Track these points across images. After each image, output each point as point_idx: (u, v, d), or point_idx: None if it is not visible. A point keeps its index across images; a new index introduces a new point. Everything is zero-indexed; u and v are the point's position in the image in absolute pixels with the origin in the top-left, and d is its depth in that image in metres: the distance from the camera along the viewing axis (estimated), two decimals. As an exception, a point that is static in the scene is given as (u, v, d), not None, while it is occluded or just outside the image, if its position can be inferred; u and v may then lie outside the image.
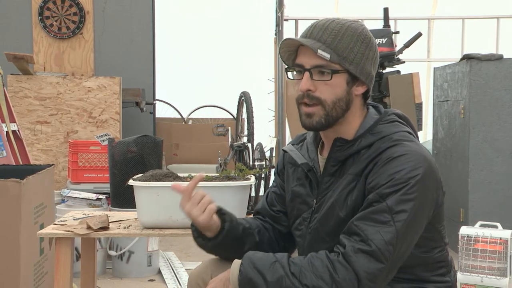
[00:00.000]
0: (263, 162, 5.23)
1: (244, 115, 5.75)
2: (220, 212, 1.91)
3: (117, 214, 2.63)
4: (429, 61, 6.80)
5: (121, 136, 5.33)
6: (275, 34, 6.08)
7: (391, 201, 1.65)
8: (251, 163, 5.23)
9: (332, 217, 1.77)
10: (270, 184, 2.27)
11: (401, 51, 5.00)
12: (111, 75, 5.54)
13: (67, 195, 4.24)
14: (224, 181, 2.38)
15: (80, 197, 4.20)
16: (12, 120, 3.93)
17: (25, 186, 2.82)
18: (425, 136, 6.31)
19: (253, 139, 5.38)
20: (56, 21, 5.98)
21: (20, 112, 5.17)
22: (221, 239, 1.88)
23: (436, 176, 1.73)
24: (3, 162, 3.64)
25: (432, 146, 5.16)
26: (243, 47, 6.82)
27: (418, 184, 1.66)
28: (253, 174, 2.49)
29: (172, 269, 4.19)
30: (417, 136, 1.84)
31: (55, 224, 2.43)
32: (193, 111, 7.01)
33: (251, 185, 2.41)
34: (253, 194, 5.29)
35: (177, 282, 3.92)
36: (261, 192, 5.46)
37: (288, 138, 6.11)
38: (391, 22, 5.19)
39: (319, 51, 1.72)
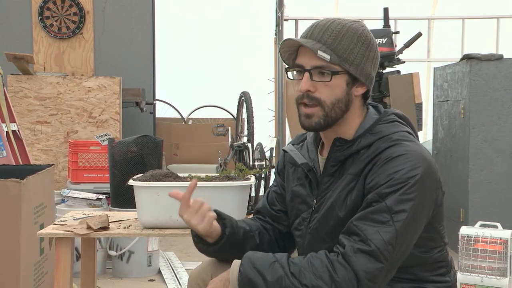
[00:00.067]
0: (263, 162, 5.22)
1: (244, 115, 5.74)
2: (220, 217, 1.90)
3: (117, 214, 2.63)
4: (429, 61, 6.80)
5: (121, 136, 5.33)
6: (275, 34, 6.08)
7: (390, 201, 1.65)
8: (251, 163, 5.22)
9: (331, 217, 1.77)
10: (270, 184, 2.27)
11: (401, 51, 5.00)
12: (111, 75, 5.54)
13: (67, 195, 4.24)
14: (224, 181, 2.38)
15: (80, 197, 4.20)
16: (12, 120, 3.93)
17: (25, 186, 2.82)
18: (425, 136, 6.31)
19: (253, 139, 5.38)
20: (56, 21, 5.98)
21: (20, 112, 5.17)
22: (222, 244, 1.88)
23: (436, 176, 1.73)
24: (3, 162, 3.65)
25: (432, 146, 5.16)
26: (243, 47, 6.82)
27: (417, 184, 1.66)
28: (253, 174, 2.49)
29: (172, 269, 4.19)
30: (417, 136, 1.84)
31: (55, 224, 2.43)
32: (193, 111, 7.01)
33: (251, 185, 2.41)
34: (253, 194, 5.28)
35: (177, 282, 3.92)
36: (261, 192, 5.46)
37: (288, 138, 6.11)
38: (391, 22, 5.19)
39: (319, 52, 1.72)
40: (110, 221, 2.42)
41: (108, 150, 4.08)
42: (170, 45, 6.71)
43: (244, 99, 5.65)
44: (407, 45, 5.02)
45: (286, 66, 1.86)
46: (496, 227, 3.13)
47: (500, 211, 4.33)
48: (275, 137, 6.05)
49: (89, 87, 5.32)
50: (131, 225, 2.42)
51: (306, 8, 6.69)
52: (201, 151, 6.44)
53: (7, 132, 3.82)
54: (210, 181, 2.37)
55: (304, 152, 1.91)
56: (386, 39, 4.78)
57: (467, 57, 4.42)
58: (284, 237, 2.01)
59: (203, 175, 2.47)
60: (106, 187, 4.33)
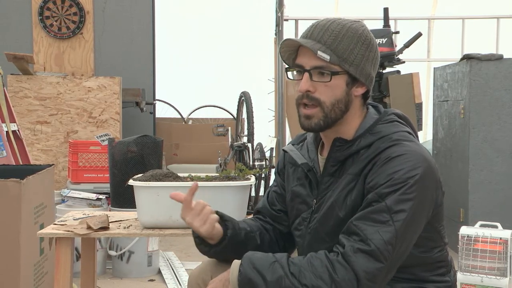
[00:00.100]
0: (263, 162, 5.22)
1: (244, 115, 5.74)
2: (222, 218, 1.90)
3: (117, 214, 2.63)
4: (429, 61, 6.80)
5: (121, 136, 5.33)
6: (275, 34, 6.08)
7: (390, 200, 1.65)
8: (251, 163, 5.22)
9: (331, 217, 1.77)
10: (270, 184, 2.27)
11: (401, 51, 5.00)
12: (111, 75, 5.54)
13: (67, 195, 4.24)
14: (224, 181, 2.38)
15: (80, 197, 4.20)
16: (12, 120, 3.93)
17: (25, 186, 2.82)
18: (425, 136, 6.31)
19: (253, 139, 5.37)
20: (56, 21, 5.98)
21: (20, 112, 5.17)
22: (224, 246, 1.88)
23: (436, 176, 1.73)
24: (3, 162, 3.65)
25: (432, 146, 5.16)
26: (243, 47, 6.82)
27: (417, 184, 1.66)
28: (253, 174, 2.49)
29: (172, 269, 4.19)
30: (417, 136, 1.84)
31: (55, 224, 2.43)
32: (193, 111, 7.01)
33: (251, 185, 2.41)
34: (253, 194, 5.28)
35: (177, 282, 3.92)
36: (261, 192, 5.46)
37: (288, 138, 6.11)
38: (391, 22, 5.19)
39: (319, 53, 1.72)
40: (110, 221, 2.42)
41: (108, 150, 4.08)
42: (170, 45, 6.71)
43: (244, 99, 5.65)
44: (407, 45, 5.02)
45: (286, 66, 1.86)
46: (496, 227, 3.13)
47: (500, 211, 4.33)
48: (275, 137, 6.05)
49: (89, 87, 5.32)
50: (131, 225, 2.42)
51: (306, 8, 6.69)
52: (201, 151, 6.44)
53: (7, 132, 3.82)
54: (210, 181, 2.37)
55: (304, 152, 1.91)
56: (386, 39, 4.78)
57: (467, 57, 4.42)
58: (284, 237, 2.01)
59: (203, 175, 2.47)
60: (106, 187, 4.33)
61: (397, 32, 5.30)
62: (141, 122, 6.06)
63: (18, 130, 3.99)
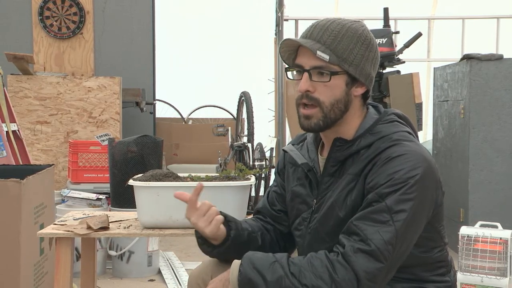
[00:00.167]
0: (263, 162, 5.22)
1: (244, 115, 5.74)
2: (225, 219, 1.90)
3: (117, 214, 2.63)
4: (429, 61, 6.80)
5: (121, 136, 5.33)
6: (275, 34, 6.08)
7: (390, 201, 1.65)
8: (251, 163, 5.23)
9: (331, 217, 1.77)
10: (270, 184, 2.27)
11: (401, 51, 5.01)
12: (111, 75, 5.54)
13: (67, 195, 4.24)
14: (224, 181, 2.38)
15: (80, 197, 4.20)
16: (12, 120, 3.93)
17: (25, 186, 2.82)
18: (425, 136, 6.31)
19: (253, 139, 5.38)
20: (56, 21, 5.98)
21: (20, 112, 5.17)
22: (227, 246, 1.88)
23: (436, 176, 1.73)
24: (3, 162, 3.65)
25: (432, 146, 5.16)
26: (243, 47, 6.82)
27: (417, 184, 1.66)
28: (253, 174, 2.49)
29: (172, 269, 4.19)
30: (417, 136, 1.84)
31: (55, 224, 2.43)
32: (193, 111, 7.01)
33: (251, 185, 2.41)
34: (253, 194, 5.28)
35: (177, 282, 3.92)
36: (261, 192, 5.46)
37: (288, 138, 6.11)
38: (391, 22, 5.19)
39: (318, 53, 1.72)
40: (110, 221, 2.42)
41: (108, 150, 4.08)
42: (170, 45, 6.71)
43: (244, 99, 5.65)
44: (407, 45, 5.02)
45: (286, 66, 1.86)
46: (496, 227, 3.13)
47: (500, 211, 4.33)
48: (275, 137, 6.05)
49: (89, 87, 5.32)
50: (131, 225, 2.42)
51: (306, 8, 6.69)
52: (201, 151, 6.44)
53: (7, 132, 3.82)
54: (210, 181, 2.37)
55: (304, 152, 1.91)
56: (386, 39, 4.78)
57: (467, 57, 4.42)
58: (284, 237, 2.01)
59: (203, 175, 2.47)
60: (106, 187, 4.33)
61: (397, 32, 5.30)
62: (141, 122, 6.06)
63: (18, 130, 3.99)
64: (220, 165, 5.50)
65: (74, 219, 2.50)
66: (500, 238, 3.02)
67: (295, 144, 1.98)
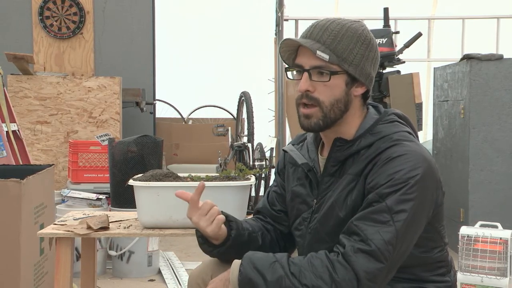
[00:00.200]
0: (263, 162, 5.22)
1: (244, 115, 5.74)
2: (226, 219, 1.90)
3: (117, 214, 2.63)
4: (429, 61, 6.80)
5: (121, 136, 5.33)
6: (275, 34, 6.08)
7: (391, 201, 1.65)
8: (251, 163, 5.23)
9: (331, 217, 1.77)
10: (270, 184, 2.27)
11: (401, 51, 5.00)
12: (111, 75, 5.54)
13: (67, 195, 4.24)
14: (224, 181, 2.38)
15: (80, 197, 4.20)
16: (12, 120, 3.94)
17: (25, 186, 2.82)
18: (425, 136, 6.31)
19: (253, 139, 5.38)
20: (56, 21, 5.98)
21: (20, 112, 5.17)
22: (228, 246, 1.88)
23: (436, 176, 1.73)
24: (3, 162, 3.65)
25: (432, 146, 5.16)
26: (243, 47, 6.82)
27: (417, 184, 1.66)
28: (253, 174, 2.49)
29: (172, 269, 4.19)
30: (417, 136, 1.84)
31: (55, 224, 2.43)
32: (193, 111, 7.01)
33: (251, 185, 2.41)
34: (253, 194, 5.28)
35: (177, 282, 3.92)
36: (261, 192, 5.46)
37: (288, 138, 6.11)
38: (391, 22, 5.19)
39: (318, 52, 1.72)
40: (110, 221, 2.42)
41: (108, 150, 4.08)
42: (170, 45, 6.71)
43: (244, 99, 5.65)
44: (407, 45, 5.02)
45: (286, 66, 1.86)
46: (496, 227, 3.13)
47: (500, 211, 4.33)
48: (275, 137, 6.05)
49: (89, 87, 5.32)
50: (131, 225, 2.41)
51: (306, 8, 6.69)
52: (201, 151, 6.44)
53: (7, 132, 3.82)
54: (210, 181, 2.37)
55: (304, 152, 1.91)
56: (386, 39, 4.78)
57: (467, 57, 4.42)
58: (284, 237, 2.01)
59: (203, 175, 2.47)
60: (106, 187, 4.33)
61: (397, 32, 5.30)
62: (141, 122, 6.06)
63: (18, 130, 3.99)
64: (220, 165, 5.50)
65: (74, 219, 2.50)
66: (500, 238, 3.02)
67: (295, 144, 1.98)
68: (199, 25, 6.95)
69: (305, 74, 1.76)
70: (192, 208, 1.85)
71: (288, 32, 6.15)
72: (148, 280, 4.01)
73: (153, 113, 6.24)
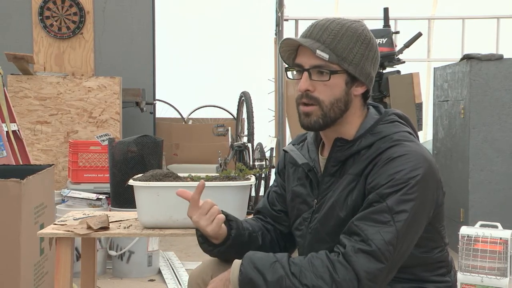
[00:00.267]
0: (263, 162, 5.22)
1: (244, 115, 5.74)
2: (227, 218, 1.90)
3: (117, 214, 2.63)
4: (429, 61, 6.80)
5: (121, 136, 5.33)
6: (275, 34, 6.08)
7: (391, 201, 1.65)
8: (251, 163, 5.22)
9: (332, 217, 1.77)
10: (271, 184, 2.27)
11: (401, 51, 5.00)
12: (111, 75, 5.54)
13: (67, 195, 4.24)
14: (224, 181, 2.38)
15: (80, 197, 4.20)
16: (12, 120, 3.94)
17: (25, 186, 2.82)
18: (425, 136, 6.31)
19: (253, 139, 5.38)
20: (56, 21, 5.98)
21: (20, 112, 5.17)
22: (228, 246, 1.88)
23: (436, 176, 1.73)
24: (3, 162, 3.65)
25: (432, 146, 5.16)
26: (243, 47, 6.82)
27: (418, 184, 1.66)
28: (253, 174, 2.49)
29: (172, 269, 4.19)
30: (418, 136, 1.84)
31: (55, 224, 2.43)
32: (193, 111, 7.01)
33: (251, 185, 2.41)
34: (253, 194, 5.28)
35: (177, 282, 3.92)
36: (261, 192, 5.46)
37: (288, 138, 6.11)
38: (391, 22, 5.19)
39: (318, 52, 1.72)
40: (110, 221, 2.42)
41: (108, 150, 4.08)
42: (170, 45, 6.71)
43: (244, 99, 5.65)
44: (407, 45, 5.02)
45: (286, 65, 1.86)
46: (496, 227, 3.13)
47: (500, 211, 4.33)
48: (275, 137, 6.05)
49: (89, 87, 5.32)
50: (131, 225, 2.41)
51: (306, 8, 6.69)
52: (201, 151, 6.44)
53: (7, 132, 3.82)
54: (210, 181, 2.37)
55: (304, 152, 1.91)
56: (386, 39, 4.78)
57: (467, 57, 4.42)
58: (285, 237, 2.01)
59: (203, 175, 2.47)
60: (106, 187, 4.33)
61: (397, 32, 5.30)
62: (141, 122, 6.06)
63: (18, 130, 3.99)
64: (220, 165, 5.50)
65: (74, 219, 2.50)
66: (500, 238, 3.02)
67: (295, 144, 1.98)
68: (199, 25, 6.95)
69: (305, 74, 1.76)
70: (192, 207, 1.85)
71: (288, 32, 6.15)
72: (148, 280, 4.01)
73: (153, 113, 6.24)
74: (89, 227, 2.29)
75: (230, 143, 5.72)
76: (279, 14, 5.95)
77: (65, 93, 5.30)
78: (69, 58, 6.02)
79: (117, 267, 4.08)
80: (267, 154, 5.47)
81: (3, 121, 3.83)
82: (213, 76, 6.90)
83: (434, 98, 5.10)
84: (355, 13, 6.47)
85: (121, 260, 4.05)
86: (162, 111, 6.77)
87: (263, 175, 5.41)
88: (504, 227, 3.15)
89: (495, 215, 4.18)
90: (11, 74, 5.25)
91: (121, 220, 2.50)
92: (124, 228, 2.37)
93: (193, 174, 2.48)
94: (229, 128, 5.76)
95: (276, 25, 6.02)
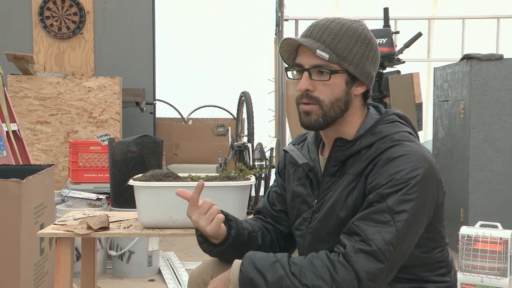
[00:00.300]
0: (263, 162, 5.22)
1: (244, 115, 5.74)
2: (226, 218, 1.90)
3: (117, 214, 2.63)
4: (429, 61, 6.80)
5: (121, 136, 5.33)
6: (275, 34, 6.08)
7: (392, 201, 1.65)
8: (251, 163, 5.22)
9: (332, 217, 1.77)
10: (271, 184, 2.27)
11: (401, 51, 5.00)
12: (111, 75, 5.54)
13: (67, 195, 4.24)
14: (224, 181, 2.38)
15: (80, 197, 4.20)
16: (12, 120, 3.94)
17: (25, 186, 2.82)
18: (425, 136, 6.31)
19: (253, 139, 5.37)
20: (56, 21, 5.98)
21: (20, 112, 5.17)
22: (227, 245, 1.88)
23: (437, 176, 1.73)
24: (3, 162, 3.64)
25: (432, 146, 5.16)
26: (243, 47, 6.82)
27: (418, 184, 1.66)
28: (253, 174, 2.49)
29: (172, 269, 4.19)
30: (418, 136, 1.84)
31: (55, 224, 2.43)
32: (193, 111, 7.01)
33: (251, 185, 2.41)
34: (253, 194, 5.28)
35: (177, 282, 3.92)
36: (261, 192, 5.46)
37: (288, 138, 6.11)
38: (391, 22, 5.19)
39: (318, 51, 1.72)
40: (110, 221, 2.42)
41: (108, 150, 4.08)
42: (170, 45, 6.71)
43: (244, 99, 5.65)
44: (407, 45, 5.02)
45: (286, 65, 1.86)
46: (496, 227, 3.13)
47: (500, 211, 4.33)
48: (275, 137, 6.05)
49: (89, 87, 5.32)
50: (131, 225, 2.41)
51: (306, 8, 6.70)
52: (201, 151, 6.44)
53: (7, 132, 3.82)
54: (210, 181, 2.37)
55: (304, 152, 1.91)
56: (386, 39, 4.78)
57: (467, 57, 4.42)
58: (285, 237, 2.01)
59: (203, 175, 2.47)
60: (106, 187, 4.33)
61: (397, 32, 5.30)
62: (141, 122, 6.07)
63: (18, 130, 3.99)
64: (220, 165, 5.50)
65: (74, 219, 2.50)
66: (500, 238, 3.02)
67: (295, 144, 1.98)
68: (199, 25, 6.95)
69: (305, 74, 1.76)
70: (191, 207, 1.85)
71: (288, 32, 6.16)
72: (148, 280, 4.01)
73: (153, 113, 6.24)
74: (89, 227, 2.29)
75: (230, 143, 5.72)
76: (279, 14, 5.95)
77: (65, 93, 5.30)
78: (69, 58, 6.02)
79: (117, 267, 4.08)
80: (267, 154, 5.47)
81: (3, 121, 3.83)
82: (213, 76, 6.90)
83: (434, 98, 5.10)
84: (355, 13, 6.47)
85: (121, 260, 4.05)
86: (162, 111, 6.77)
87: (263, 175, 5.41)
88: (504, 227, 3.16)
89: (495, 215, 4.18)
90: (11, 74, 5.25)
91: (121, 220, 2.50)
92: (124, 228, 2.37)
93: (193, 174, 2.48)
94: (229, 128, 5.76)
95: (276, 25, 6.02)
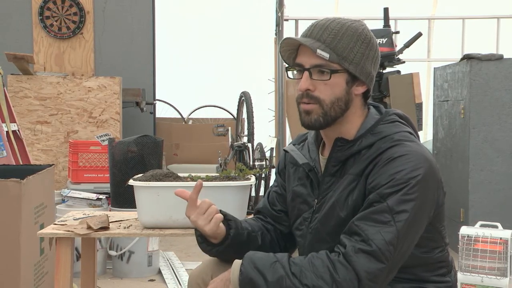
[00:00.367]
0: (263, 162, 5.22)
1: (244, 115, 5.75)
2: (225, 218, 1.90)
3: (117, 214, 2.63)
4: (429, 61, 6.80)
5: (121, 136, 5.33)
6: (275, 34, 6.08)
7: (392, 201, 1.65)
8: (251, 163, 5.23)
9: (332, 217, 1.77)
10: (271, 184, 2.27)
11: (401, 51, 5.01)
12: (111, 75, 5.54)
13: (67, 195, 4.24)
14: (224, 181, 2.38)
15: (80, 197, 4.20)
16: (12, 120, 3.94)
17: (25, 186, 2.82)
18: (425, 136, 6.31)
19: (253, 139, 5.38)
20: (56, 21, 5.98)
21: (20, 112, 5.17)
22: (227, 245, 1.88)
23: (437, 176, 1.73)
24: (3, 162, 3.64)
25: (432, 146, 5.17)
26: (243, 47, 6.82)
27: (418, 184, 1.66)
28: (253, 174, 2.49)
29: (172, 269, 4.19)
30: (418, 136, 1.84)
31: (55, 224, 2.43)
32: (193, 111, 7.01)
33: (251, 185, 2.41)
34: (253, 194, 5.28)
35: (177, 282, 3.92)
36: (261, 192, 5.46)
37: (288, 138, 6.11)
38: (391, 22, 5.19)
39: (318, 51, 1.72)
40: (110, 221, 2.42)
41: (108, 150, 4.08)
42: (170, 45, 6.71)
43: (244, 99, 5.65)
44: (407, 45, 5.03)
45: (286, 65, 1.86)
46: (496, 227, 3.13)
47: (500, 211, 4.33)
48: (275, 137, 6.05)
49: (89, 87, 5.32)
50: (131, 225, 2.41)
51: (306, 8, 6.70)
52: (201, 151, 6.44)
53: (7, 132, 3.82)
54: (210, 181, 2.37)
55: (305, 152, 1.91)
56: (386, 39, 4.79)
57: (467, 57, 4.42)
58: (285, 237, 2.01)
59: (203, 175, 2.47)
60: (106, 187, 4.33)
61: (397, 32, 5.30)
62: (141, 122, 6.07)
63: (18, 130, 3.99)
64: (220, 165, 5.50)
65: (74, 219, 2.50)
66: (500, 238, 3.02)
67: (296, 144, 1.98)
68: (199, 25, 6.95)
69: (306, 73, 1.76)
70: (190, 207, 1.85)
71: (288, 32, 6.16)
72: (148, 280, 4.01)
73: (153, 113, 6.24)
74: (89, 227, 2.29)
75: (230, 143, 5.72)
76: (279, 14, 5.95)
77: (65, 93, 5.30)
78: (69, 58, 6.02)
79: (117, 267, 4.08)
80: (267, 154, 5.47)
81: (3, 121, 3.83)
82: (213, 76, 6.90)
83: (434, 98, 5.10)
84: (355, 13, 6.47)
85: (121, 260, 4.05)
86: (162, 111, 6.77)
87: (263, 175, 5.41)
88: (504, 227, 3.16)
89: (495, 215, 4.18)
90: (11, 74, 5.25)
91: (121, 220, 2.50)
92: (124, 228, 2.37)
93: (193, 174, 2.48)
94: (229, 128, 5.76)
95: (276, 25, 6.02)
